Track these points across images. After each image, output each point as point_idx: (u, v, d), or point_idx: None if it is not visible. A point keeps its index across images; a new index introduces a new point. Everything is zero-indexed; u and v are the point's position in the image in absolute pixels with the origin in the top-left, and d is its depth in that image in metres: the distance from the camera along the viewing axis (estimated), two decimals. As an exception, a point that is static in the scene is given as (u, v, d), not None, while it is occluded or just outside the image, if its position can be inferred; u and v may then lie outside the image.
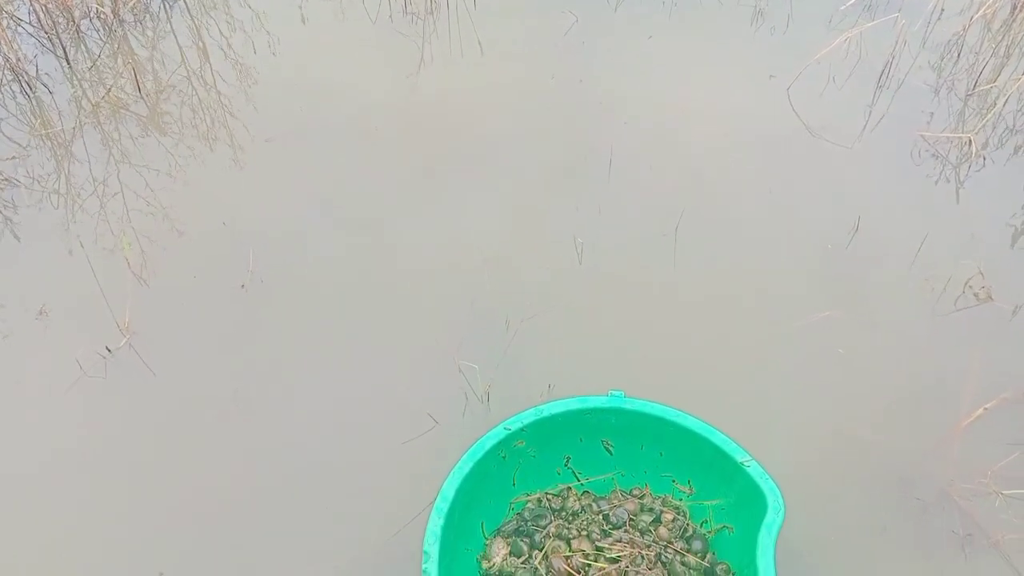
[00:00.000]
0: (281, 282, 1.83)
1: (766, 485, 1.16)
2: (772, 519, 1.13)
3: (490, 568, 1.24)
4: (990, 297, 1.70)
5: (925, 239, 1.82)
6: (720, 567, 1.22)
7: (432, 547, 1.14)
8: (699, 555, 1.23)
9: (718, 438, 1.24)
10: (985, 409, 1.49)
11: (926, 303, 1.71)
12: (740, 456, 1.21)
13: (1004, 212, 1.92)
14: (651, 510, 1.30)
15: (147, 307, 1.76)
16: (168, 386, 1.62)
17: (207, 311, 1.77)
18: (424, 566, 1.12)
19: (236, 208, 2.00)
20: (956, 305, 1.71)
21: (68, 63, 2.44)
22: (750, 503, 1.18)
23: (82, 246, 1.89)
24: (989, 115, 2.16)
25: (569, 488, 1.36)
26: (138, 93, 2.34)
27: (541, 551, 1.23)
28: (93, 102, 2.31)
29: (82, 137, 2.20)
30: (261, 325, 1.74)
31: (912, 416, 1.51)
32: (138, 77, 2.37)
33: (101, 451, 1.52)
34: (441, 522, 1.17)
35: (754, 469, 1.19)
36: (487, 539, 1.29)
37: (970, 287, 1.72)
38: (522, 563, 1.23)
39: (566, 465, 1.37)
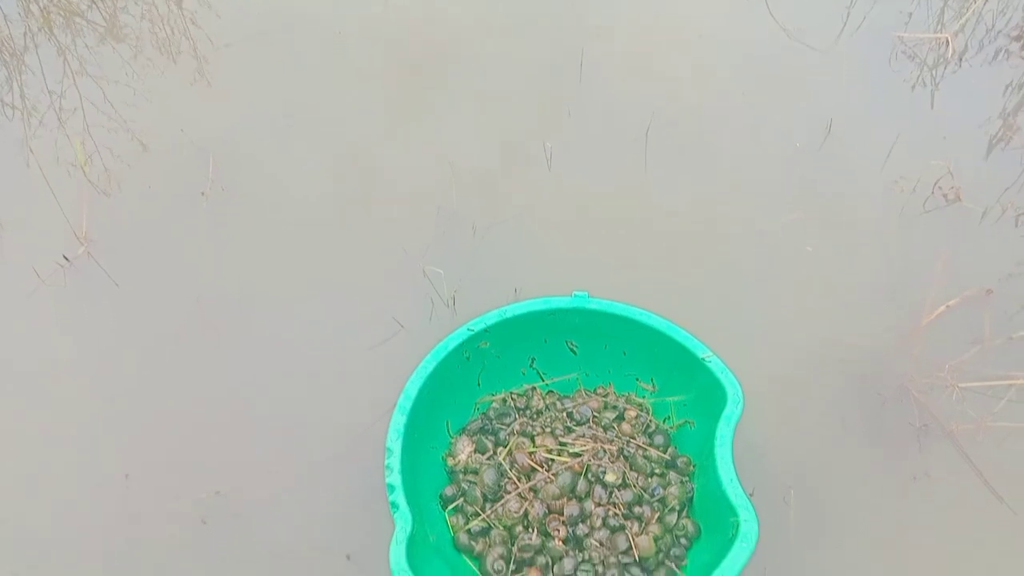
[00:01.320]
0: (243, 191, 1.79)
1: (726, 379, 1.18)
2: (731, 411, 1.15)
3: (455, 465, 1.26)
4: (959, 198, 1.70)
5: (896, 141, 1.81)
6: (681, 460, 1.24)
7: (395, 443, 1.15)
8: (661, 449, 1.26)
9: (680, 335, 1.25)
10: (947, 307, 1.51)
11: (895, 205, 1.71)
12: (701, 352, 1.22)
13: (978, 115, 1.90)
14: (614, 407, 1.32)
15: (105, 217, 1.72)
16: (130, 294, 1.60)
17: (167, 220, 1.73)
18: (387, 462, 1.14)
19: (196, 117, 1.94)
20: (925, 207, 1.71)
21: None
22: (711, 398, 1.20)
23: (31, 151, 1.84)
24: (968, 13, 2.12)
25: (534, 388, 1.37)
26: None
27: (505, 448, 1.25)
28: (41, 6, 2.21)
29: (35, 48, 2.11)
30: (223, 234, 1.71)
31: (876, 315, 1.53)
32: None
33: (63, 359, 1.51)
34: (404, 420, 1.18)
35: (715, 364, 1.20)
36: (452, 437, 1.31)
37: (939, 188, 1.72)
38: (487, 459, 1.25)
39: (531, 366, 1.39)
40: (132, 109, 1.96)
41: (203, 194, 1.77)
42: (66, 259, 1.64)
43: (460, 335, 1.28)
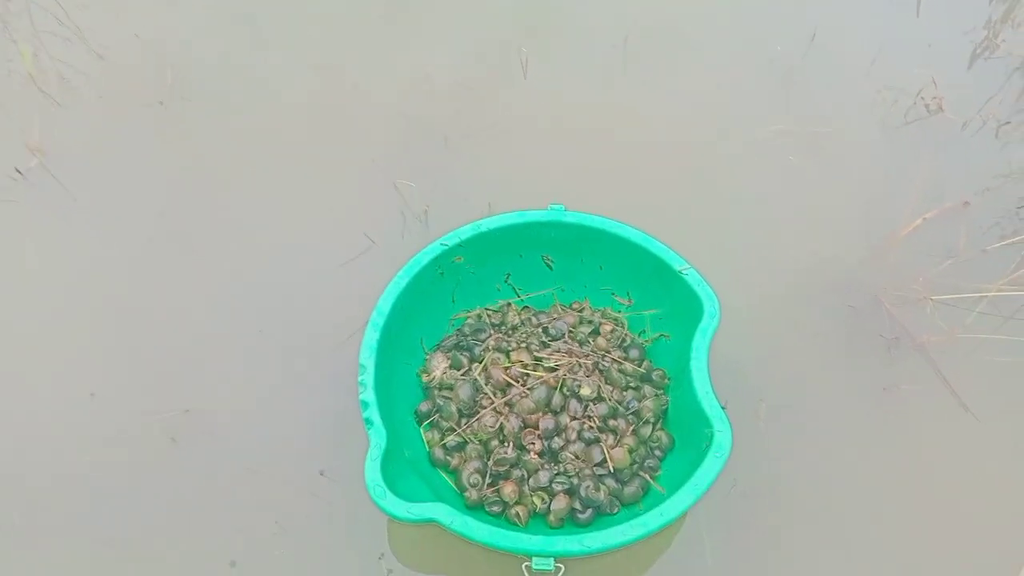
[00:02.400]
0: (203, 100, 1.71)
1: (703, 291, 1.17)
2: (707, 323, 1.14)
3: (430, 381, 1.26)
4: (941, 108, 1.67)
5: (880, 50, 1.77)
6: (656, 373, 1.25)
7: (368, 360, 1.14)
8: (636, 363, 1.26)
9: (657, 247, 1.23)
10: (924, 219, 1.50)
11: (876, 116, 1.69)
12: (678, 264, 1.21)
13: (964, 24, 1.86)
14: (590, 322, 1.32)
15: (58, 128, 1.65)
16: (89, 208, 1.54)
17: (125, 131, 1.66)
18: (360, 378, 1.12)
19: (151, 21, 1.84)
20: (906, 118, 1.68)
21: None
22: (687, 311, 1.19)
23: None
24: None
25: (509, 304, 1.36)
26: None
27: (481, 363, 1.25)
28: None
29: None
30: (184, 145, 1.64)
31: (853, 227, 1.52)
32: None
33: (21, 275, 1.46)
34: (377, 335, 1.16)
35: (691, 276, 1.19)
36: (427, 354, 1.30)
37: (922, 98, 1.69)
38: (462, 375, 1.24)
39: (506, 281, 1.37)
40: (83, 12, 1.85)
41: (161, 103, 1.69)
42: (19, 172, 1.57)
43: (434, 250, 1.25)
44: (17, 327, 1.40)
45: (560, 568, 1.01)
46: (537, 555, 0.99)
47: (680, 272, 1.20)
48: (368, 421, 1.08)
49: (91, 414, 1.30)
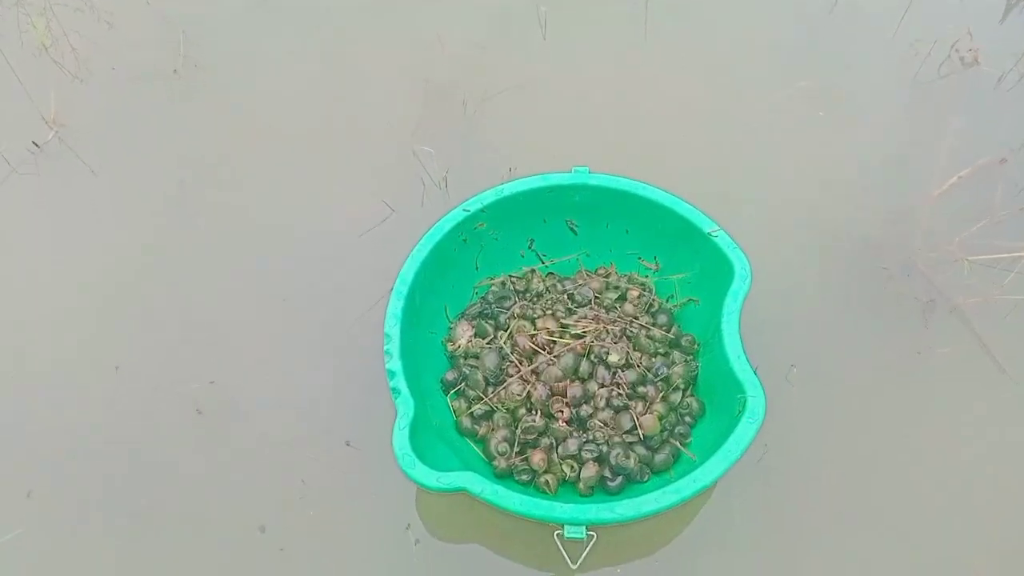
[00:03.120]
0: (217, 68, 1.69)
1: (733, 254, 1.15)
2: (739, 286, 1.12)
3: (456, 350, 1.25)
4: (976, 61, 1.62)
5: (912, 1, 1.72)
6: (685, 338, 1.23)
7: (393, 329, 1.13)
8: (664, 328, 1.24)
9: (685, 209, 1.21)
10: (959, 177, 1.47)
11: (909, 70, 1.64)
12: (708, 227, 1.18)
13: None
14: (616, 288, 1.30)
15: (74, 100, 1.64)
16: (108, 180, 1.54)
17: (140, 101, 1.65)
18: (386, 347, 1.12)
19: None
20: (940, 72, 1.63)
21: None
22: (717, 274, 1.17)
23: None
24: None
25: (533, 270, 1.34)
26: None
27: (506, 331, 1.23)
28: None
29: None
30: (201, 114, 1.63)
31: (886, 186, 1.48)
32: None
33: (43, 249, 1.46)
34: (401, 304, 1.15)
35: (722, 239, 1.17)
36: (451, 323, 1.29)
37: (956, 51, 1.64)
38: (487, 343, 1.23)
39: (530, 247, 1.35)
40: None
41: (175, 72, 1.67)
42: (36, 145, 1.56)
43: (456, 216, 1.23)
44: (40, 302, 1.40)
45: (592, 536, 1.00)
46: (569, 523, 0.98)
47: (710, 234, 1.18)
48: (395, 390, 1.08)
49: (117, 387, 1.30)
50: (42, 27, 1.73)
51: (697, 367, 1.20)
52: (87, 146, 1.58)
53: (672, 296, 1.30)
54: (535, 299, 1.29)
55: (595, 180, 1.25)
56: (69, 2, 1.81)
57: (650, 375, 1.18)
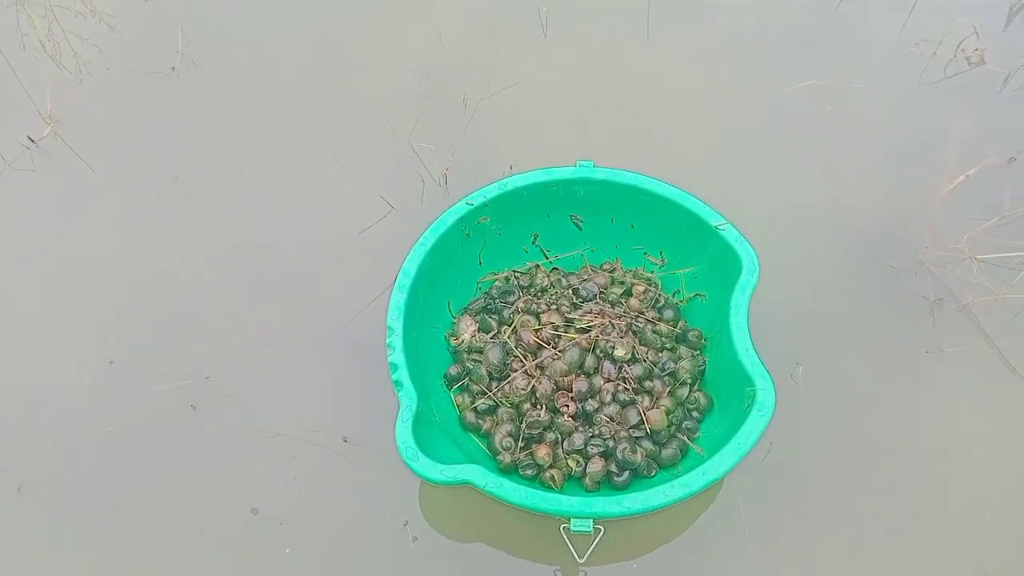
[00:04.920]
0: (216, 65, 1.71)
1: (741, 247, 1.17)
2: (747, 279, 1.14)
3: (459, 345, 1.26)
4: (983, 60, 1.66)
5: (918, 1, 1.75)
6: (692, 333, 1.24)
7: (396, 322, 1.14)
8: (671, 323, 1.25)
9: (691, 203, 1.22)
10: (967, 176, 1.49)
11: (915, 69, 1.67)
12: (714, 220, 1.20)
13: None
14: (622, 283, 1.31)
15: (70, 95, 1.65)
16: (103, 176, 1.55)
17: (137, 97, 1.66)
18: (388, 340, 1.13)
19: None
20: (946, 72, 1.67)
21: None
22: (724, 268, 1.19)
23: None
24: None
25: (537, 266, 1.36)
26: None
27: (510, 326, 1.25)
28: None
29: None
30: (198, 111, 1.64)
31: (893, 184, 1.50)
32: None
33: (38, 244, 1.47)
34: (404, 297, 1.16)
35: (729, 232, 1.18)
36: (454, 317, 1.30)
37: (962, 50, 1.68)
38: (491, 338, 1.24)
39: (534, 243, 1.36)
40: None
41: (173, 69, 1.69)
42: (31, 140, 1.58)
43: (459, 210, 1.25)
44: (35, 297, 1.41)
45: (599, 530, 1.02)
46: (576, 516, 0.99)
47: (717, 228, 1.19)
48: (398, 383, 1.09)
49: (111, 382, 1.31)
50: (39, 23, 1.75)
51: (704, 362, 1.22)
52: (83, 142, 1.59)
53: (678, 291, 1.31)
54: (539, 294, 1.30)
55: (600, 174, 1.27)
56: (68, 10, 1.83)
57: (656, 370, 1.19)
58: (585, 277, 1.31)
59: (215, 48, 1.73)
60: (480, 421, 1.18)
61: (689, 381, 1.19)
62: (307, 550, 1.16)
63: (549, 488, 1.11)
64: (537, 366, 1.19)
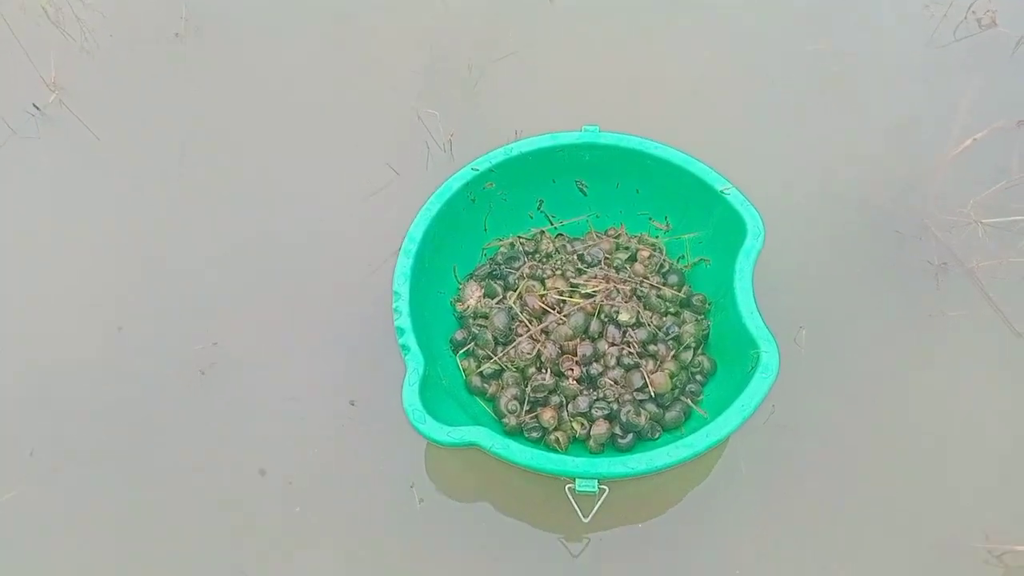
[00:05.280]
0: (219, 31, 1.71)
1: (746, 212, 1.17)
2: (752, 243, 1.15)
3: (465, 310, 1.28)
4: (994, 23, 1.64)
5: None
6: (696, 298, 1.26)
7: (402, 287, 1.16)
8: (675, 288, 1.27)
9: (697, 167, 1.23)
10: (974, 140, 1.49)
11: (925, 32, 1.66)
12: (720, 184, 1.21)
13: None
14: (627, 248, 1.32)
15: (74, 63, 1.66)
16: (109, 144, 1.56)
17: (142, 64, 1.66)
18: (395, 305, 1.14)
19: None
20: (956, 35, 1.65)
21: None
22: (729, 232, 1.19)
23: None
24: None
25: (542, 231, 1.37)
26: None
27: (515, 291, 1.26)
28: None
29: None
30: (202, 78, 1.65)
31: (900, 148, 1.50)
32: None
33: (45, 212, 1.48)
34: (410, 263, 1.18)
35: (734, 197, 1.19)
36: (460, 283, 1.32)
37: (973, 12, 1.66)
38: (496, 303, 1.25)
39: (539, 209, 1.37)
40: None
41: (177, 35, 1.69)
42: (36, 108, 1.59)
43: (465, 175, 1.26)
44: (42, 263, 1.42)
45: (604, 490, 1.04)
46: (581, 477, 1.01)
47: (722, 192, 1.20)
48: (404, 347, 1.10)
49: (120, 348, 1.33)
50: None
51: (708, 326, 1.23)
52: (88, 109, 1.59)
53: (683, 256, 1.32)
54: (544, 260, 1.31)
55: (605, 139, 1.27)
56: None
57: (661, 334, 1.21)
58: (590, 242, 1.32)
59: (218, 14, 1.73)
60: (486, 385, 1.20)
61: (693, 345, 1.20)
62: (315, 510, 1.18)
63: (554, 450, 1.13)
64: (542, 331, 1.20)
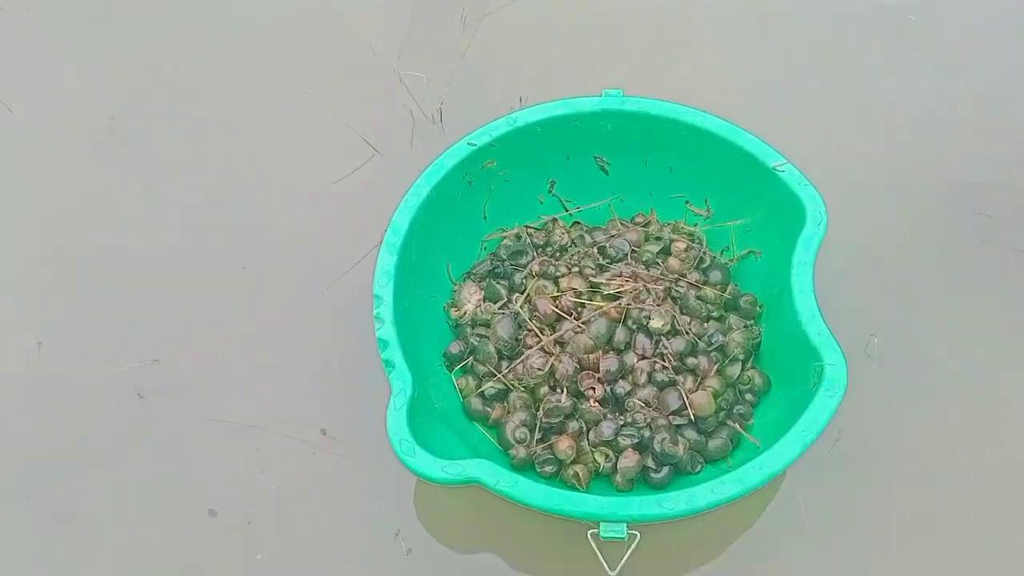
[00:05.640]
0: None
1: (805, 193, 1.16)
2: (812, 232, 1.14)
3: (461, 317, 1.27)
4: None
5: None
6: (744, 299, 1.25)
7: (384, 289, 1.14)
8: (719, 287, 1.26)
9: (744, 139, 1.22)
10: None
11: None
12: (773, 160, 1.20)
13: None
14: (658, 239, 1.32)
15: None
16: (23, 119, 1.56)
17: (65, 24, 1.67)
18: (376, 311, 1.13)
19: None
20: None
21: None
22: (783, 218, 1.19)
23: None
24: None
25: (555, 219, 1.36)
26: None
27: (523, 293, 1.25)
28: None
29: None
30: (137, 38, 1.66)
31: (990, 119, 1.50)
32: None
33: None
34: (394, 260, 1.16)
35: (790, 174, 1.18)
36: (455, 284, 1.31)
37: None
38: (500, 308, 1.25)
39: (550, 192, 1.37)
40: None
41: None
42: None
43: (459, 151, 1.25)
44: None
45: (635, 536, 1.02)
46: (606, 520, 1.00)
47: (775, 169, 1.19)
48: (388, 363, 1.09)
49: (39, 366, 1.32)
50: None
51: (759, 333, 1.23)
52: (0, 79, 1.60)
53: (727, 248, 1.32)
54: (558, 254, 1.31)
55: (631, 105, 1.26)
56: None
57: (701, 344, 1.20)
58: (613, 233, 1.32)
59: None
60: (488, 409, 1.20)
61: (741, 357, 1.20)
62: (280, 559, 1.17)
63: (573, 488, 1.12)
64: (556, 341, 1.20)
